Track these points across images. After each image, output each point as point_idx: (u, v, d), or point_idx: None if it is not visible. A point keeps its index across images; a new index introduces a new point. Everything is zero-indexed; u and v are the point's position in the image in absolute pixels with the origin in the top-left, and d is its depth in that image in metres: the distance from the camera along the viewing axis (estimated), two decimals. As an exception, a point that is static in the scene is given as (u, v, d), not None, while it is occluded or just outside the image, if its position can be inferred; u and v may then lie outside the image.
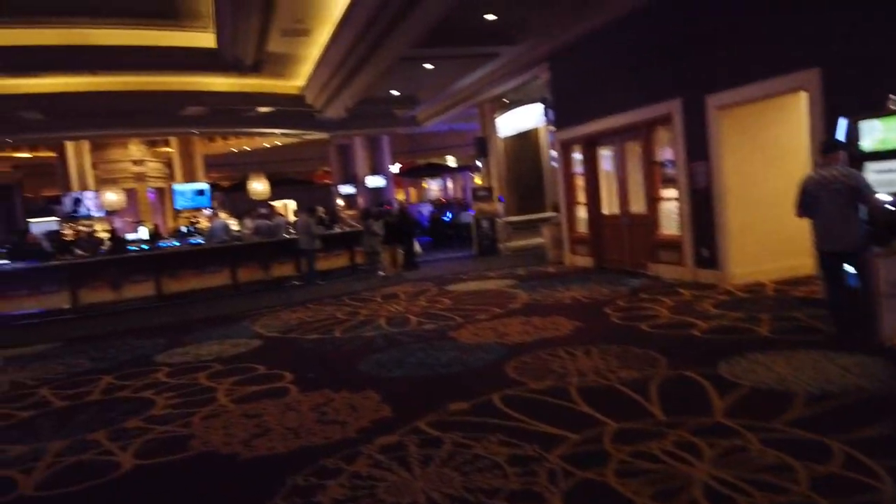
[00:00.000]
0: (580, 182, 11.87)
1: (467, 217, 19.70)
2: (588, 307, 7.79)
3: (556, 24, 10.06)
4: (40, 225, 24.18)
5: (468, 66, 12.87)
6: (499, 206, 16.56)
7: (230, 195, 24.79)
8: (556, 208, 15.80)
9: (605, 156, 11.16)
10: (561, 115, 12.08)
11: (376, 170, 28.62)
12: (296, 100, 14.84)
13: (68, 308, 11.39)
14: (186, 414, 4.88)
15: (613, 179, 10.84)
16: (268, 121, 16.45)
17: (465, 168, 34.90)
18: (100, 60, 11.18)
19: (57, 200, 30.52)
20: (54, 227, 20.44)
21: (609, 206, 11.09)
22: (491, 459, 3.48)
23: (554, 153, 18.14)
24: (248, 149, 27.16)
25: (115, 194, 18.25)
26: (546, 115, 13.83)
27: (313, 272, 12.95)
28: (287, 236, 14.63)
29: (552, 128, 12.76)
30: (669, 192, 9.32)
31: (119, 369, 6.71)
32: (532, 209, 16.35)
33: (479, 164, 18.88)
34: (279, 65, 12.41)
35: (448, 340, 6.71)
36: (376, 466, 3.54)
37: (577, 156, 11.88)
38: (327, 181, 36.15)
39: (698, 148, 8.35)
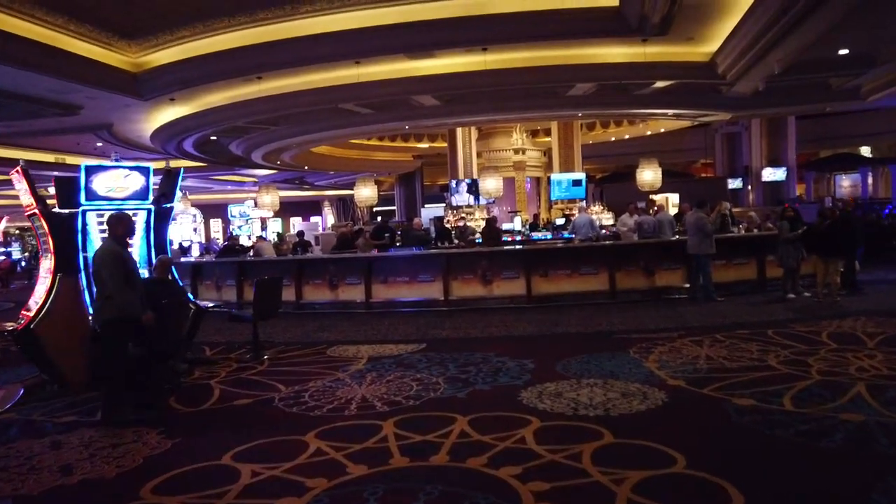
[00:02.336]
0: None
1: (926, 225, 14.26)
2: None
3: None
4: (431, 211, 26.16)
5: None
6: None
7: (605, 187, 23.06)
8: None
9: None
10: None
11: (775, 160, 23.95)
12: (702, 70, 11.99)
13: (441, 300, 10.81)
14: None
15: None
16: (662, 99, 13.91)
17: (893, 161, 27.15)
18: (494, 32, 10.13)
19: (447, 188, 33.30)
20: (440, 213, 21.52)
21: None
22: None
23: None
24: (628, 136, 25.10)
25: (494, 180, 17.83)
26: None
27: (709, 285, 10.08)
28: (676, 237, 12.03)
29: None
30: None
31: (477, 405, 5.11)
32: None
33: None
34: (690, 22, 9.80)
35: None
36: None
37: None
38: (705, 174, 32.08)
39: None
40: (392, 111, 14.34)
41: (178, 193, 6.90)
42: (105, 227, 5.59)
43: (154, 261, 6.22)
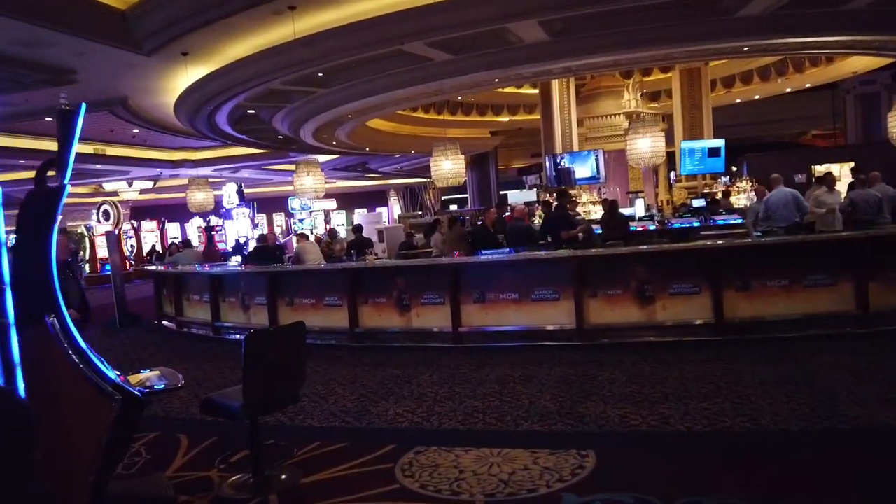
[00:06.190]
0: None
1: None
2: None
3: None
4: (513, 197, 22.13)
5: None
6: None
7: (746, 158, 18.53)
8: None
9: None
10: None
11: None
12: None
13: (570, 329, 6.85)
14: None
15: None
16: (875, 17, 9.36)
17: None
18: None
19: (529, 171, 29.00)
20: (529, 199, 17.52)
21: None
22: None
23: None
24: (758, 97, 20.28)
25: (651, 139, 12.71)
26: None
27: None
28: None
29: None
30: None
31: None
32: None
33: None
34: None
35: None
36: None
37: None
38: (820, 143, 27.30)
39: None
40: (478, 55, 10.32)
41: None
42: None
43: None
